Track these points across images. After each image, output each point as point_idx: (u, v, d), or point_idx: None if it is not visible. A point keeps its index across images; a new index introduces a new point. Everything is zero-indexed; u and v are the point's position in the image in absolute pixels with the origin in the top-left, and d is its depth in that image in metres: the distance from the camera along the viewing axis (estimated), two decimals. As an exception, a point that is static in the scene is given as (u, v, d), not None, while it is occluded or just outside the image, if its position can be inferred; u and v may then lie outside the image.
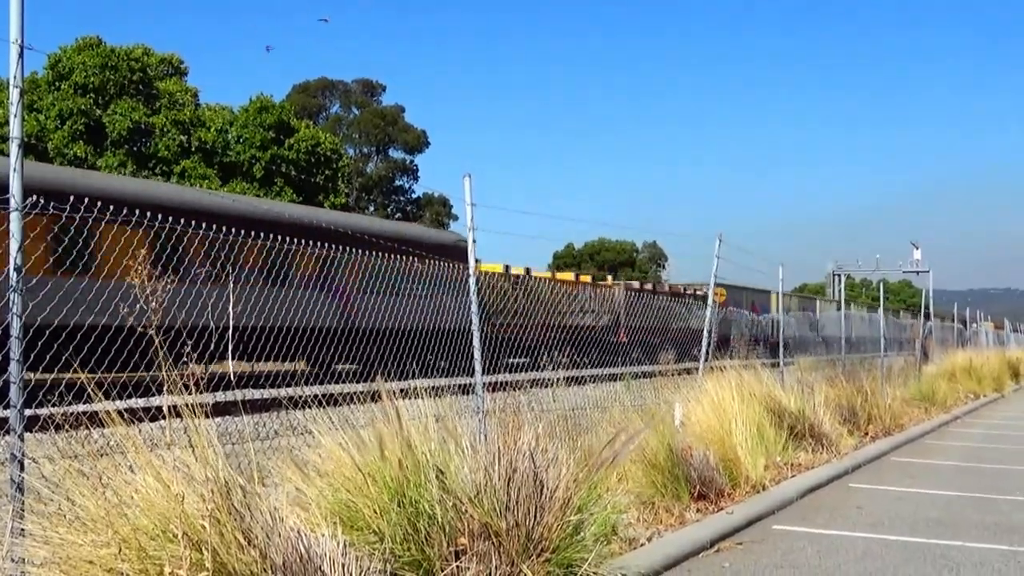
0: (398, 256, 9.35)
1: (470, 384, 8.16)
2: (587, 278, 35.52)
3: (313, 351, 13.12)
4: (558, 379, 10.48)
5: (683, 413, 10.22)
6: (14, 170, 4.77)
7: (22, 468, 4.77)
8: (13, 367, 4.71)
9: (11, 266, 4.69)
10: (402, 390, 6.41)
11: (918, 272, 69.95)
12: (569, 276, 34.58)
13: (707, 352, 12.68)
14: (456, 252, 10.74)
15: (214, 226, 7.03)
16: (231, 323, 16.81)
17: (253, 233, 7.97)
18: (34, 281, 5.12)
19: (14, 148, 4.77)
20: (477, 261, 8.60)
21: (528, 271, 32.24)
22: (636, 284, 39.01)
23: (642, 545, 7.19)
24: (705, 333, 12.94)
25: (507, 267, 30.45)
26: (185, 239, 8.65)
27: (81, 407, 5.14)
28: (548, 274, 36.28)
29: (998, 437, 17.06)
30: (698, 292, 41.06)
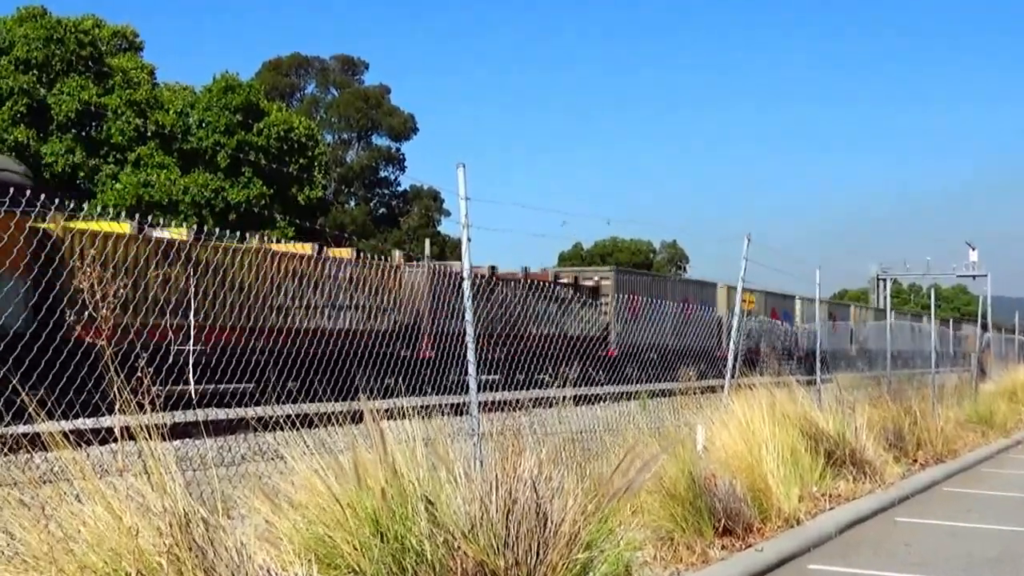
0: None
1: (464, 403, 8.15)
2: (344, 253, 23.85)
3: None
4: (564, 398, 10.48)
5: (706, 436, 10.22)
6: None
7: (-46, 497, 4.77)
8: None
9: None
10: (387, 410, 6.42)
11: (974, 276, 70.01)
12: (306, 248, 22.94)
13: (733, 368, 12.68)
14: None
15: None
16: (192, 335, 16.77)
17: None
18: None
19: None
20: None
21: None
22: (456, 266, 27.81)
23: (659, 587, 7.19)
24: (731, 345, 12.94)
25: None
26: None
27: (22, 428, 5.14)
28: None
29: (1065, 465, 17.05)
30: (584, 283, 33.14)
